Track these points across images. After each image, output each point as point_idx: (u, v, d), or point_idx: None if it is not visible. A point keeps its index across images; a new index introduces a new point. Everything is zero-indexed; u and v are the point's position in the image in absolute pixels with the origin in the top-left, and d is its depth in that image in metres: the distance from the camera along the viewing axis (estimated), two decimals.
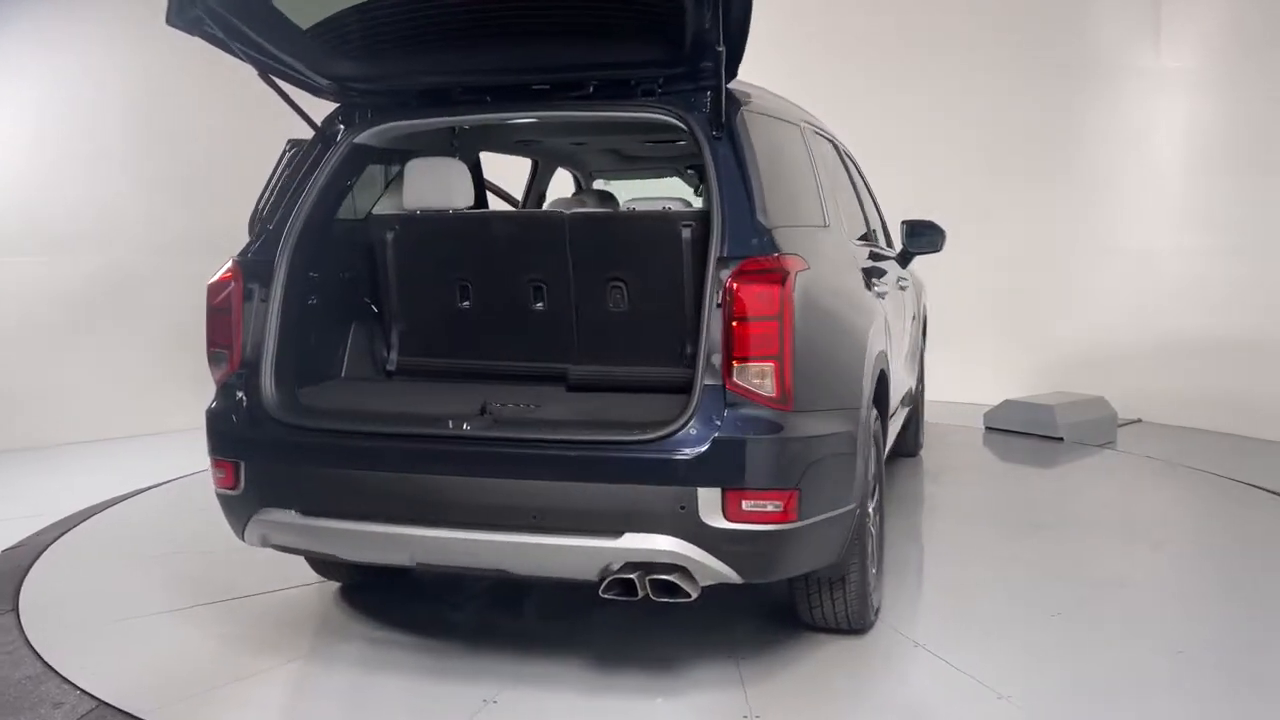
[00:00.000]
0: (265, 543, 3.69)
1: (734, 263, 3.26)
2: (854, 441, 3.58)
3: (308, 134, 6.16)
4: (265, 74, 3.78)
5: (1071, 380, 7.94)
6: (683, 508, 3.16)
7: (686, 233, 3.74)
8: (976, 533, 5.20)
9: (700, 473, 3.17)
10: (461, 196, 3.99)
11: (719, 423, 3.19)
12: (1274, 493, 5.76)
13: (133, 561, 4.82)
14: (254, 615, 4.13)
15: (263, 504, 3.55)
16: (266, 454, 3.57)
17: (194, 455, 7.37)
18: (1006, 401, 7.45)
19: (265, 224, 3.83)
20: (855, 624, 3.81)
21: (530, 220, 4.00)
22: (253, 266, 3.73)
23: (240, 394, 3.62)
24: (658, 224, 3.82)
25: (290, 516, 3.50)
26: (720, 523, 3.16)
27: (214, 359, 3.73)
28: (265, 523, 3.56)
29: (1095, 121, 8.28)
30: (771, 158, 3.55)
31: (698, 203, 4.29)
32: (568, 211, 3.94)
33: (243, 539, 3.68)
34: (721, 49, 3.23)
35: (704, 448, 3.17)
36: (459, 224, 4.05)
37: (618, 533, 3.20)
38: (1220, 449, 6.95)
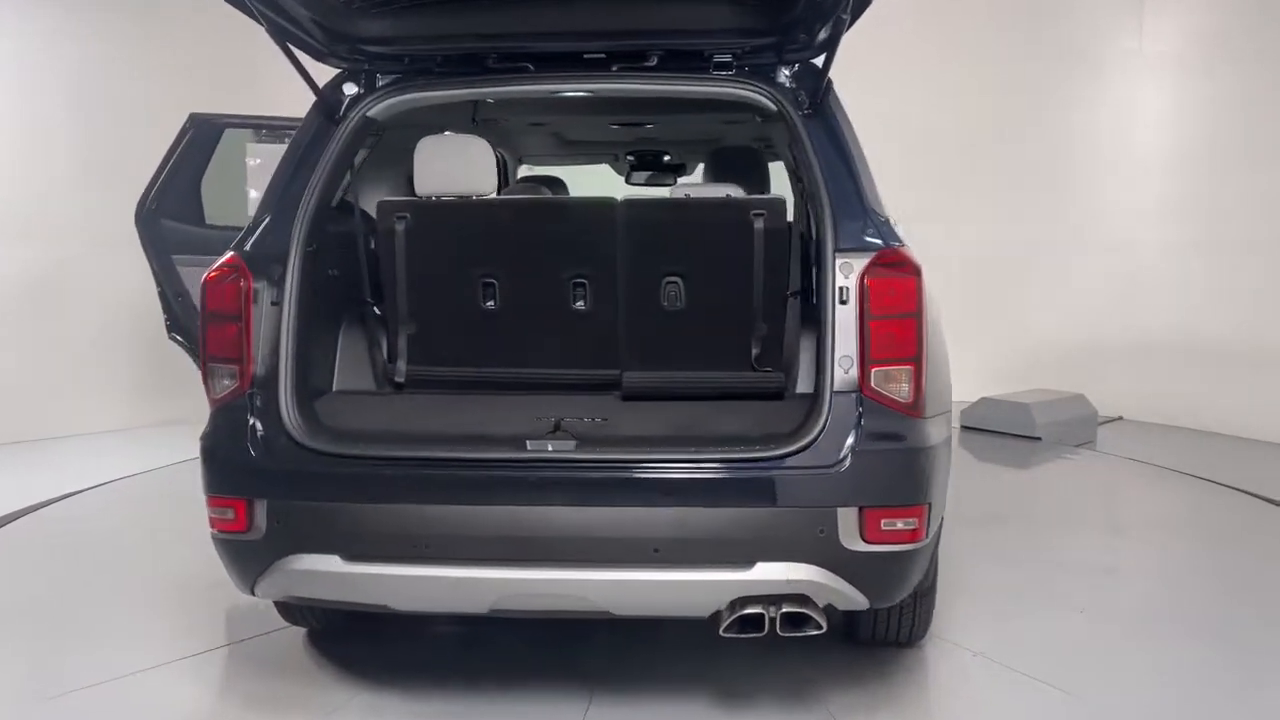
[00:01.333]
0: (285, 595, 3.06)
1: (861, 254, 2.93)
2: (950, 447, 3.32)
3: (215, 108, 5.43)
4: (280, 40, 3.13)
5: (1051, 378, 7.74)
6: (822, 531, 2.81)
7: (759, 222, 3.38)
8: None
9: (839, 491, 2.82)
10: (485, 180, 3.46)
11: (856, 434, 2.85)
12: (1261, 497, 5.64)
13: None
14: (226, 668, 3.45)
15: (290, 549, 2.92)
16: (295, 489, 2.95)
17: (130, 457, 6.34)
18: (984, 399, 7.20)
19: (267, 209, 3.18)
20: (917, 636, 3.56)
21: (575, 208, 3.52)
22: (261, 260, 3.08)
23: (253, 418, 2.98)
24: (727, 212, 3.44)
25: (330, 563, 2.90)
26: (858, 545, 2.83)
27: (214, 375, 3.06)
28: (292, 573, 2.93)
29: (1074, 113, 8.07)
30: (857, 140, 3.23)
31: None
32: (622, 197, 3.48)
33: (252, 593, 3.03)
34: (846, 15, 2.88)
35: (843, 463, 2.82)
36: (485, 212, 3.52)
37: (750, 562, 2.81)
38: (1201, 448, 6.81)
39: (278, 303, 3.05)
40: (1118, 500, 6.02)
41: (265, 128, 5.52)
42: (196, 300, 3.83)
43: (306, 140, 3.27)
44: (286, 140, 3.40)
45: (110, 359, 7.39)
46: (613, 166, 6.35)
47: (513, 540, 2.85)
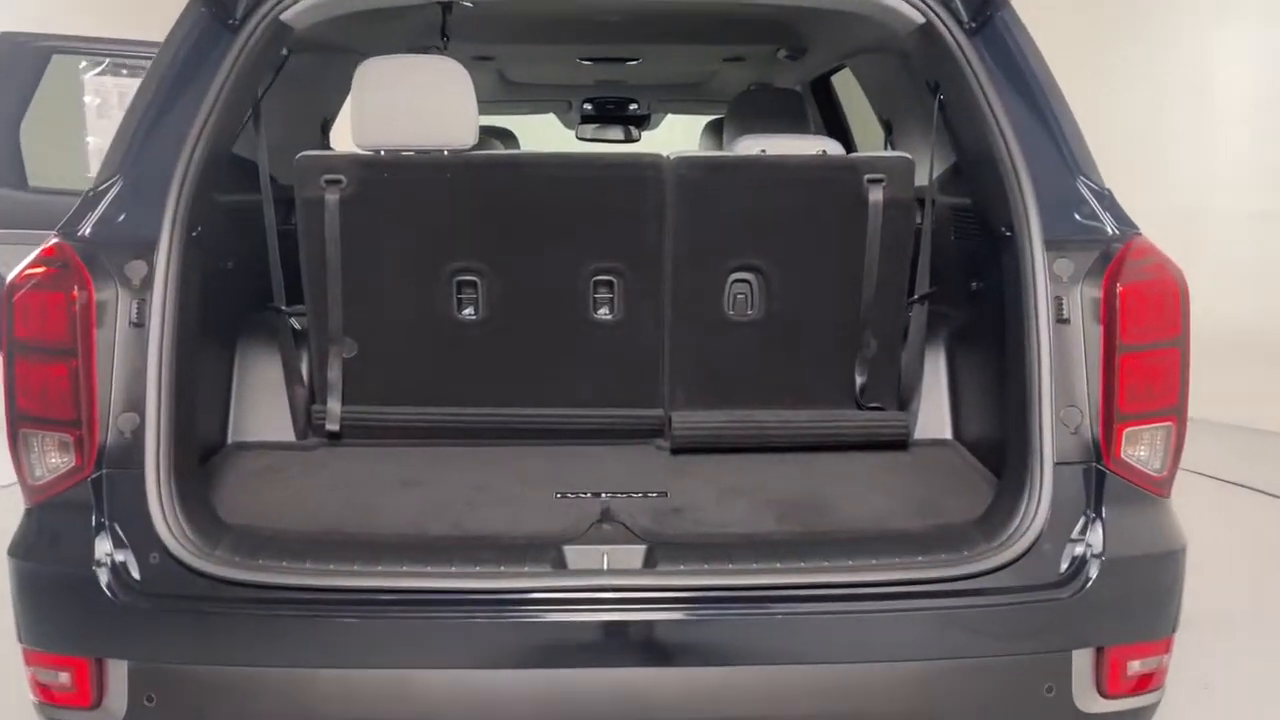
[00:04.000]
0: None
1: (1087, 247, 1.91)
2: None
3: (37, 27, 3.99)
4: None
5: None
6: (1050, 690, 1.79)
7: (877, 192, 2.30)
8: None
9: (1074, 625, 1.82)
10: (462, 126, 2.29)
11: (1095, 531, 1.82)
12: None
13: None
14: None
15: None
16: (175, 643, 1.77)
17: None
18: None
19: (117, 169, 1.94)
20: None
21: (600, 171, 2.36)
22: (111, 252, 1.86)
23: (101, 518, 1.78)
24: (830, 177, 2.34)
25: None
26: (1095, 705, 1.84)
27: (30, 448, 1.82)
28: None
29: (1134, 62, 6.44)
30: (1050, 72, 2.17)
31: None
32: (672, 156, 2.34)
33: None
34: None
35: (1079, 580, 1.80)
36: (463, 176, 2.33)
37: None
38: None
39: (140, 322, 1.84)
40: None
41: (111, 54, 4.06)
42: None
43: (182, 57, 2.03)
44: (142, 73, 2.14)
45: None
46: (560, 118, 5.17)
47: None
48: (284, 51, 2.84)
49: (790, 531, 1.94)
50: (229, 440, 2.39)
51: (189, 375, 1.91)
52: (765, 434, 2.37)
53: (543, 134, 5.51)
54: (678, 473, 2.26)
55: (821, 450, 2.37)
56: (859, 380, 2.42)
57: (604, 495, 2.11)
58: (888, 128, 3.18)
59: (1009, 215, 1.94)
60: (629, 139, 4.89)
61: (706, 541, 1.91)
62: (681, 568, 1.78)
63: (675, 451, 2.37)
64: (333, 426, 2.38)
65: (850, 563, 1.79)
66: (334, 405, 2.39)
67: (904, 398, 2.46)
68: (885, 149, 3.15)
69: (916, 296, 2.43)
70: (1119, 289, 1.82)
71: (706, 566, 1.78)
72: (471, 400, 2.41)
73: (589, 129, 4.94)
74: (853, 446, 2.38)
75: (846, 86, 3.98)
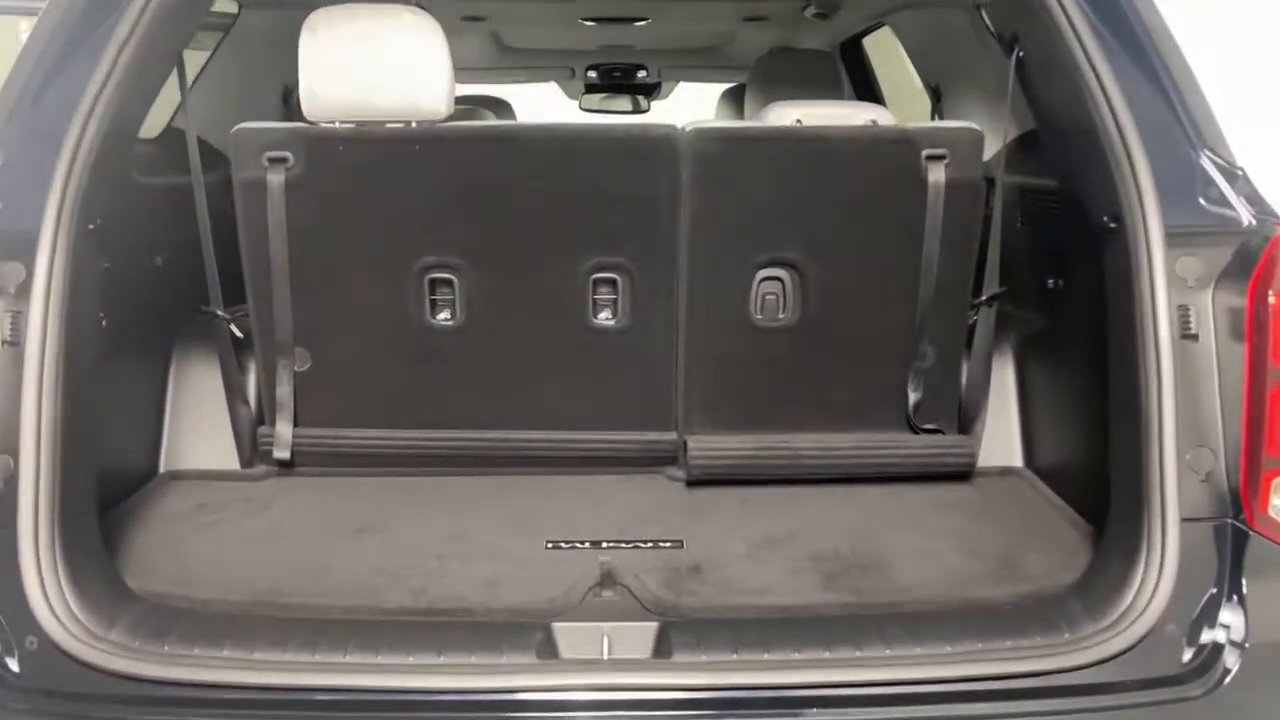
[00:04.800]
0: None
1: (1219, 241, 1.49)
2: None
3: None
4: None
5: None
6: None
7: (939, 171, 1.89)
8: None
9: None
10: (435, 91, 1.87)
11: (1234, 611, 1.42)
12: None
13: None
14: None
15: None
16: None
17: None
18: None
19: None
20: None
21: (602, 145, 1.94)
22: None
23: None
24: (881, 152, 1.93)
25: None
26: None
27: None
28: None
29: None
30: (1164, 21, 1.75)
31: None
32: (688, 128, 1.92)
33: None
34: None
35: (1214, 676, 1.40)
36: (436, 153, 1.92)
37: None
38: None
39: (14, 340, 1.44)
40: None
41: None
42: None
43: (81, 3, 1.62)
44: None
45: None
46: (562, 87, 4.73)
47: None
48: (235, 8, 2.44)
49: (841, 603, 1.54)
50: (161, 469, 2.01)
51: (86, 403, 1.52)
52: (800, 463, 1.97)
53: (547, 103, 5.09)
54: (695, 513, 1.87)
55: (867, 483, 1.97)
56: (913, 398, 2.02)
57: (605, 544, 1.72)
58: (935, 94, 2.75)
59: (1114, 201, 1.53)
60: (637, 109, 4.46)
61: (734, 616, 1.52)
62: (703, 658, 1.39)
63: (691, 484, 1.98)
64: (282, 453, 1.99)
65: (921, 651, 1.39)
66: (284, 428, 2.00)
67: (966, 418, 2.06)
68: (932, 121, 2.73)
69: (984, 297, 2.02)
70: (1272, 297, 1.41)
71: (735, 657, 1.39)
72: (447, 422, 2.02)
73: (594, 99, 4.51)
74: (905, 478, 1.98)
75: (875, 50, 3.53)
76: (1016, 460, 2.06)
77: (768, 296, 1.98)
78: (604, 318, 1.98)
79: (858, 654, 1.39)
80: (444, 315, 1.97)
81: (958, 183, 1.90)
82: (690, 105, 5.12)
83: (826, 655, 1.39)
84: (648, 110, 4.51)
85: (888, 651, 1.39)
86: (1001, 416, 2.08)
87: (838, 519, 1.83)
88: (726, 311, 1.97)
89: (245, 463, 2.04)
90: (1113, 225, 1.54)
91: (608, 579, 1.57)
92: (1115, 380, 1.55)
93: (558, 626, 1.46)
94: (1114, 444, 1.54)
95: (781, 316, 1.99)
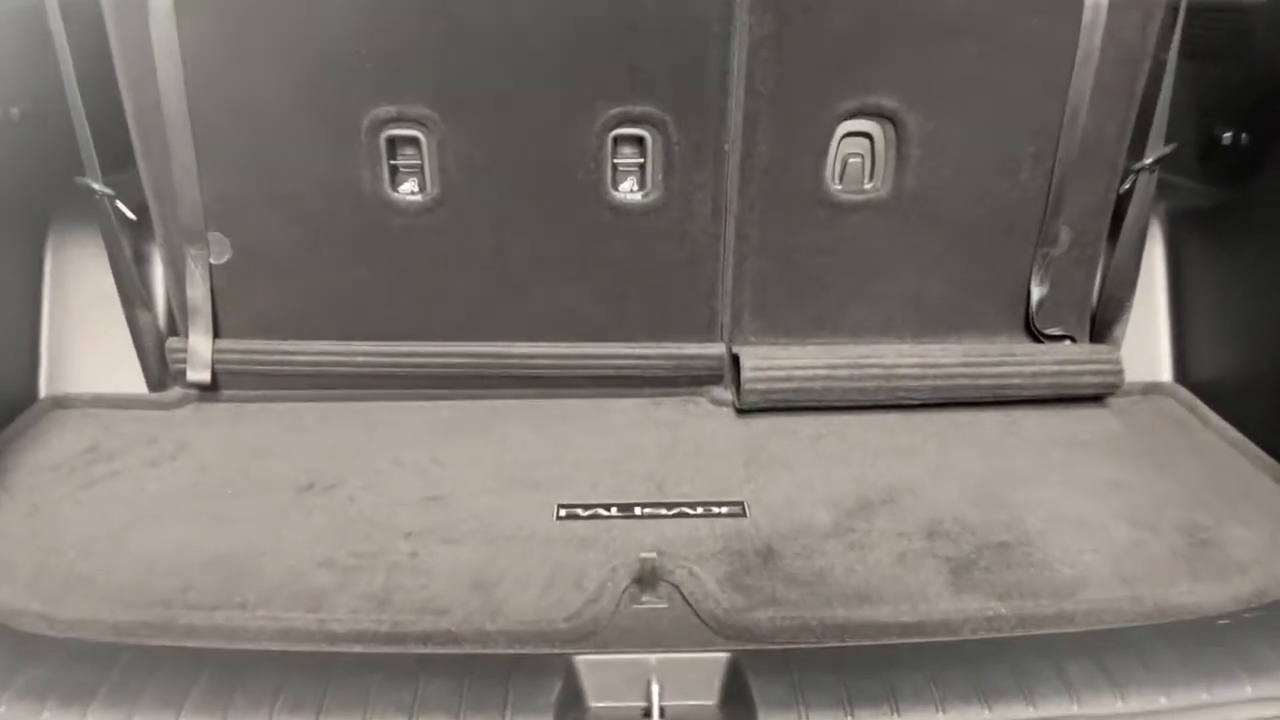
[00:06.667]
0: None
1: None
2: None
3: None
4: None
5: None
6: None
7: None
8: None
9: None
10: None
11: None
12: None
13: None
14: None
15: None
16: None
17: None
18: None
19: None
20: None
21: None
22: None
23: None
24: None
25: None
26: None
27: None
28: None
29: None
30: None
31: None
32: None
33: None
34: None
35: None
36: None
37: None
38: None
39: None
40: None
41: None
42: None
43: None
44: None
45: None
46: None
47: None
48: None
49: (986, 616, 1.08)
50: (41, 393, 1.51)
51: None
52: (892, 384, 1.49)
53: None
54: (754, 456, 1.39)
55: (977, 408, 1.50)
56: (1036, 294, 1.53)
57: (639, 510, 1.26)
58: None
59: None
60: None
61: (836, 639, 1.06)
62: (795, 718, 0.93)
63: (744, 412, 1.50)
64: (198, 374, 1.50)
65: (1125, 708, 0.94)
66: (199, 341, 1.50)
67: (1103, 321, 1.57)
68: None
69: (1148, 160, 1.49)
70: None
71: None
72: (415, 332, 1.52)
73: None
74: (1027, 402, 1.51)
75: None
76: (1163, 373, 1.59)
77: (851, 159, 1.46)
78: (628, 189, 1.46)
79: (1032, 713, 0.94)
80: (409, 187, 1.45)
81: (1123, 5, 1.36)
82: None
83: (987, 717, 0.93)
84: None
85: (1076, 710, 0.94)
86: (1142, 315, 1.59)
87: (948, 466, 1.36)
88: (794, 180, 1.45)
89: (154, 384, 1.55)
90: None
91: (649, 576, 1.11)
92: None
93: (583, 662, 1.00)
94: None
95: (868, 186, 1.47)
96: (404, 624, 1.05)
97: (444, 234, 1.47)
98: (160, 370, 1.54)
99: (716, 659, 1.01)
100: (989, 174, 1.46)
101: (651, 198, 1.46)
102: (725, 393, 1.54)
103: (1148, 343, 1.60)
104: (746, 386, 1.47)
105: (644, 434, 1.45)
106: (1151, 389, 1.56)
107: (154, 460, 1.38)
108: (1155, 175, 1.50)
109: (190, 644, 1.04)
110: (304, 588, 1.11)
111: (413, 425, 1.47)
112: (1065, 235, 1.50)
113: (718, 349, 1.53)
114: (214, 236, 1.46)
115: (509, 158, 1.43)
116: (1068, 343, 1.55)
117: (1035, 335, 1.54)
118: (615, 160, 1.45)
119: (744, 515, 1.25)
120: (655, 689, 0.98)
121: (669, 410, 1.51)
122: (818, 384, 1.48)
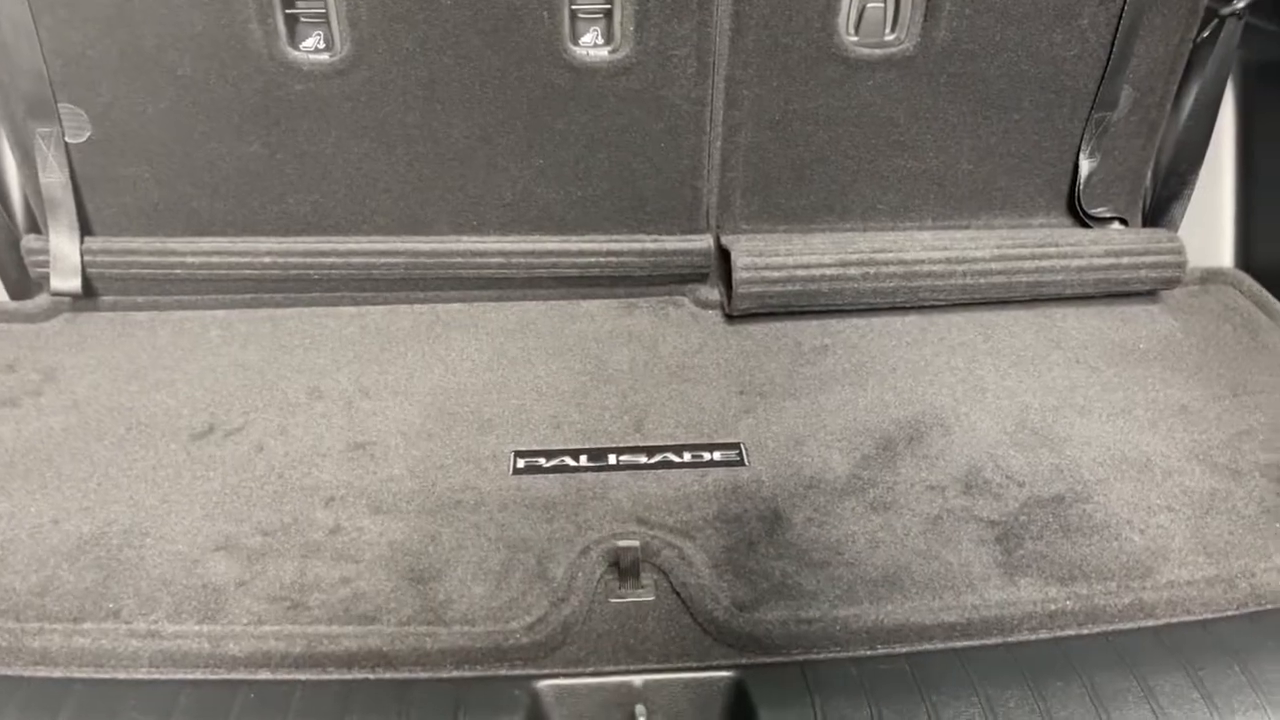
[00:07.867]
0: None
1: None
2: None
3: None
4: None
5: None
6: None
7: None
8: None
9: None
10: None
11: None
12: None
13: None
14: None
15: None
16: None
17: None
18: None
19: None
20: None
21: None
22: None
23: None
24: None
25: None
26: None
27: None
28: None
29: None
30: None
31: None
32: None
33: None
34: None
35: None
36: None
37: None
38: None
39: None
40: None
41: None
42: None
43: None
44: None
45: None
46: None
47: None
48: None
49: (1048, 611, 0.87)
50: None
51: None
52: (913, 281, 1.24)
53: None
54: (750, 380, 1.16)
55: (1013, 306, 1.27)
56: (1085, 168, 1.26)
57: (613, 461, 1.02)
58: None
59: None
60: None
61: (866, 646, 0.85)
62: None
63: (735, 318, 1.25)
64: (66, 282, 1.22)
65: None
66: (62, 241, 1.21)
67: (1161, 200, 1.32)
68: None
69: (1238, 5, 1.21)
70: None
71: None
72: (333, 224, 1.24)
73: None
74: (1074, 298, 1.27)
75: None
76: (1224, 257, 1.36)
77: (870, 5, 1.17)
78: (590, 43, 1.17)
79: None
80: (313, 43, 1.15)
81: None
82: None
83: None
84: None
85: None
86: (1200, 188, 1.35)
87: (981, 388, 1.13)
88: (797, 30, 1.16)
89: (15, 293, 1.27)
90: None
91: (630, 563, 0.89)
92: None
93: (549, 688, 0.79)
94: None
95: (890, 39, 1.19)
96: (322, 640, 0.83)
97: (360, 103, 1.17)
98: (20, 275, 1.26)
99: (716, 679, 0.81)
100: (1042, 21, 1.17)
101: (620, 54, 1.16)
102: (711, 292, 1.29)
103: (1205, 221, 1.36)
104: (739, 290, 1.22)
105: (616, 350, 1.20)
106: (1210, 276, 1.33)
107: (11, 397, 1.12)
108: (1244, 20, 1.22)
109: (44, 673, 0.81)
110: (196, 584, 0.88)
111: (334, 340, 1.21)
112: (1126, 97, 1.23)
113: (703, 242, 1.26)
114: (66, 109, 1.15)
115: (438, 7, 1.12)
116: (1117, 225, 1.31)
117: (1080, 217, 1.30)
118: (574, 6, 1.14)
119: (742, 464, 1.02)
120: None
121: (645, 317, 1.26)
122: (824, 284, 1.23)
